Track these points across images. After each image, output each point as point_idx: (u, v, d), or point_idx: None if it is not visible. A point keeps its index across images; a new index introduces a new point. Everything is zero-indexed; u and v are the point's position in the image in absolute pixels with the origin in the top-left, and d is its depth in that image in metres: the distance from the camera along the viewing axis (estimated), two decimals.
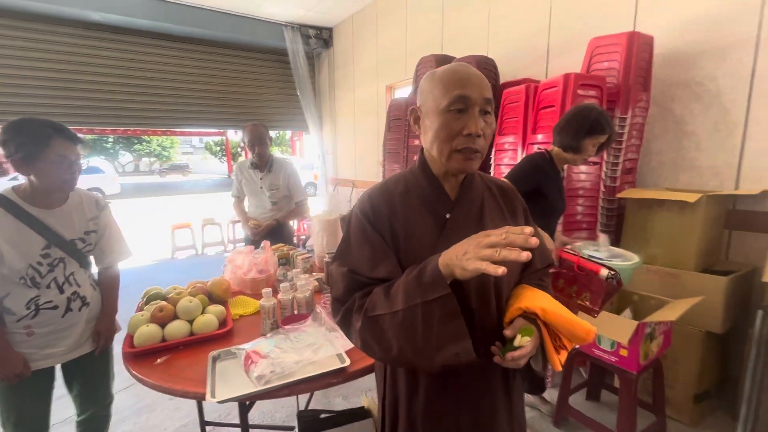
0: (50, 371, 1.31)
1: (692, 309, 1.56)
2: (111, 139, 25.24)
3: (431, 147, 0.78)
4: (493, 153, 2.48)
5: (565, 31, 2.58)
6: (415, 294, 0.67)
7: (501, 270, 0.56)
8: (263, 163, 2.50)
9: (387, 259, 0.76)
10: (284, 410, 2.07)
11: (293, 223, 3.09)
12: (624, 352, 1.54)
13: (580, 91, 2.01)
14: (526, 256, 0.56)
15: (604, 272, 1.29)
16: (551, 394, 2.05)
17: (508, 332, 0.74)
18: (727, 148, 1.94)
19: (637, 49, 2.02)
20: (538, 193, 1.64)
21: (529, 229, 0.58)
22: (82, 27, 4.15)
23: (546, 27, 2.69)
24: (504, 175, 2.39)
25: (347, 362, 1.12)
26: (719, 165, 1.98)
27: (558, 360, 0.77)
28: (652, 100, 2.16)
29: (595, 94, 2.04)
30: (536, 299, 0.77)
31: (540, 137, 2.13)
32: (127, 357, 1.22)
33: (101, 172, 12.65)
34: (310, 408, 2.00)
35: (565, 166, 1.82)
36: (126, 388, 2.25)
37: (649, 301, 1.80)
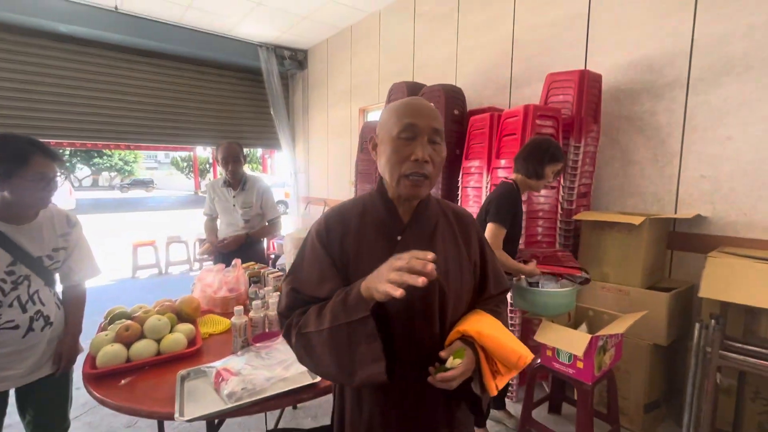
0: (3, 396, 1.24)
1: (640, 323, 1.70)
2: (68, 152, 23.97)
3: (384, 172, 0.82)
4: (460, 176, 2.62)
5: (526, 65, 2.80)
6: (340, 314, 0.71)
7: (399, 292, 0.59)
8: (236, 181, 2.51)
9: (332, 279, 0.79)
10: None
11: (263, 242, 3.07)
12: (580, 365, 1.65)
13: (538, 121, 2.18)
14: (421, 281, 0.59)
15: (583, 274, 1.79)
16: (515, 408, 2.12)
17: (443, 353, 0.77)
18: (666, 176, 2.16)
19: (588, 85, 2.23)
20: (513, 221, 1.79)
21: (431, 255, 0.62)
22: (48, 38, 4.04)
23: (508, 61, 2.91)
24: (470, 197, 2.53)
25: (318, 378, 1.14)
26: (660, 191, 2.19)
27: (494, 385, 0.79)
28: (602, 132, 2.38)
29: (551, 124, 2.22)
30: (475, 323, 0.80)
31: (503, 162, 2.28)
32: (88, 378, 1.18)
33: None
34: (279, 428, 1.96)
35: (526, 192, 1.99)
36: (77, 417, 2.12)
37: (603, 316, 1.93)
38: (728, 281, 1.59)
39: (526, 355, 0.77)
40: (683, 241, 2.13)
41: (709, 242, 1.99)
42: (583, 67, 2.44)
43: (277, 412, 2.10)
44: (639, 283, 1.99)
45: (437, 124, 0.79)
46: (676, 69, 2.10)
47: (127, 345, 1.27)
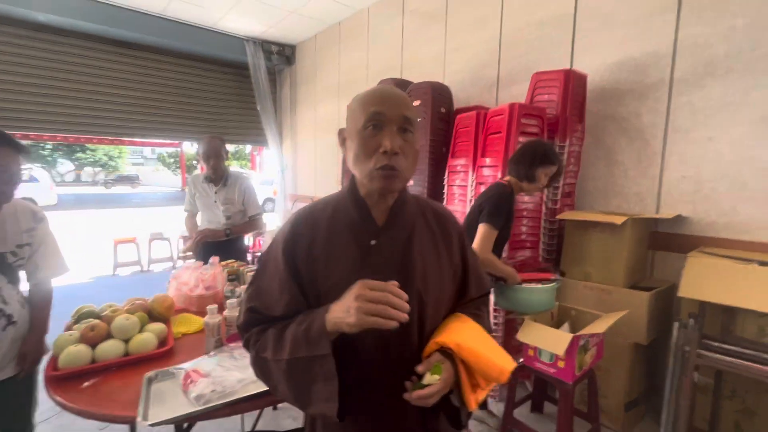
0: None
1: (621, 322, 1.70)
2: (49, 146, 23.34)
3: (353, 168, 0.75)
4: (446, 174, 2.60)
5: (513, 64, 2.79)
6: (301, 346, 0.67)
7: (393, 324, 0.59)
8: (218, 177, 2.44)
9: (288, 294, 0.74)
10: None
11: (248, 239, 3.02)
12: (561, 364, 1.64)
13: (523, 120, 2.17)
14: (404, 318, 0.60)
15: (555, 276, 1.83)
16: (498, 407, 2.11)
17: (420, 368, 0.71)
18: (648, 176, 2.17)
19: (573, 85, 2.23)
20: (504, 224, 1.78)
21: (405, 296, 0.62)
22: (25, 27, 3.89)
23: (496, 60, 2.90)
24: (456, 196, 2.51)
25: None
26: (643, 192, 2.20)
27: (474, 399, 0.74)
28: (586, 131, 2.38)
29: (536, 123, 2.21)
30: (455, 333, 0.75)
31: (488, 161, 2.26)
32: (49, 381, 1.12)
33: (35, 181, 11.68)
34: (257, 430, 1.91)
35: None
36: (47, 419, 2.04)
37: (586, 316, 1.93)
38: (707, 281, 1.60)
39: (508, 369, 0.73)
40: (665, 241, 2.14)
41: (689, 242, 2.00)
42: (569, 67, 2.44)
43: (256, 412, 2.05)
44: (621, 283, 1.99)
45: (407, 112, 0.72)
46: (659, 70, 2.11)
47: (93, 346, 1.22)
